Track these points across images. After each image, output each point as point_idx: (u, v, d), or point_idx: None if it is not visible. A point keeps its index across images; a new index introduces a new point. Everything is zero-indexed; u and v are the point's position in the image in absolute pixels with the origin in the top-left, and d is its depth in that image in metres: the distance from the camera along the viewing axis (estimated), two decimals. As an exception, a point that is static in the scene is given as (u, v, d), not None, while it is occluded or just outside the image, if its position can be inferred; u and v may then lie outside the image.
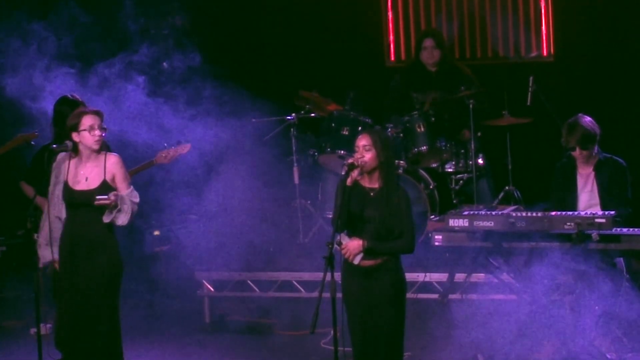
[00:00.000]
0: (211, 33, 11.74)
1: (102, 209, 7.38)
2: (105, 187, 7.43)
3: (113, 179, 7.47)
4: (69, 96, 8.58)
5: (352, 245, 6.92)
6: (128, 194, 7.44)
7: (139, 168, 8.94)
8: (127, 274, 7.87)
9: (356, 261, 6.94)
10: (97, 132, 7.41)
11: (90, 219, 7.44)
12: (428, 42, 10.61)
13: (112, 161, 7.49)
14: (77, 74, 9.21)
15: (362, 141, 7.00)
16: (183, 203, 10.35)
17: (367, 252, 6.93)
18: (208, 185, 10.14)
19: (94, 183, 7.46)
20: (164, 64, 10.66)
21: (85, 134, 7.40)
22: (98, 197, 7.34)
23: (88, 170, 7.49)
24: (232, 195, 10.40)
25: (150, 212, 10.24)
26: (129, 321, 8.62)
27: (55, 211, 7.50)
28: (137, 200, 7.47)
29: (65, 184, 7.50)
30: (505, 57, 11.46)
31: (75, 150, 7.48)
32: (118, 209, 7.38)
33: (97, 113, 7.49)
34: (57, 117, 8.45)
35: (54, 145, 7.56)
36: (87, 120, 7.40)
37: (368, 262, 6.95)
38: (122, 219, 7.42)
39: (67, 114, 7.80)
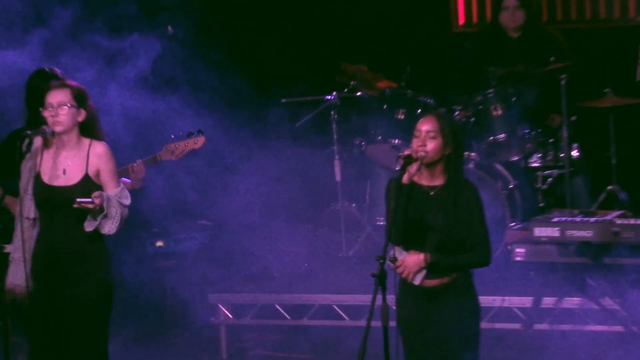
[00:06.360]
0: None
1: (85, 212, 7.32)
2: (87, 182, 7.38)
3: (97, 174, 7.42)
4: (46, 69, 8.56)
5: (410, 261, 6.89)
6: (116, 194, 7.39)
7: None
8: (123, 296, 7.86)
9: (417, 281, 6.92)
10: (59, 111, 7.36)
11: (70, 224, 7.38)
12: (510, 1, 10.67)
13: (98, 151, 7.45)
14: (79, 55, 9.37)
15: (426, 126, 6.95)
16: (193, 206, 10.33)
17: (430, 269, 6.90)
18: (224, 184, 10.26)
19: (73, 178, 7.41)
20: (169, 28, 10.69)
21: (46, 112, 7.41)
22: (79, 199, 7.27)
23: (67, 162, 7.45)
24: (255, 196, 10.54)
25: (151, 218, 10.25)
26: (127, 357, 8.62)
27: (25, 211, 7.48)
28: (127, 202, 7.43)
29: (38, 179, 7.45)
30: (608, 19, 11.56)
31: (52, 136, 7.45)
32: (104, 214, 7.31)
33: (64, 86, 7.48)
34: (30, 94, 8.39)
35: (29, 131, 7.51)
36: (48, 97, 7.43)
37: (432, 282, 6.95)
38: (109, 227, 7.36)
39: (44, 90, 7.74)
